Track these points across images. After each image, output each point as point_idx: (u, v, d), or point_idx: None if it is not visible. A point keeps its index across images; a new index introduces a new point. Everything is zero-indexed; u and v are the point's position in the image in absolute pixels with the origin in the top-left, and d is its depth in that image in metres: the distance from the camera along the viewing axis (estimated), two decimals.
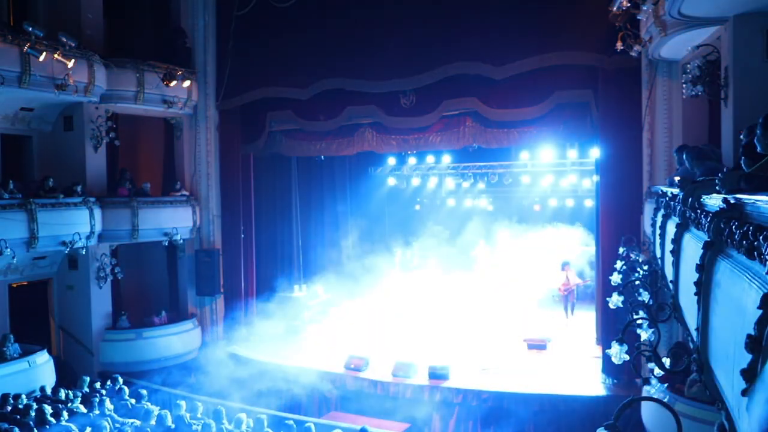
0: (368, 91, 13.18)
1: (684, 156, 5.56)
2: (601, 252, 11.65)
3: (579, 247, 17.00)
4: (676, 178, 5.55)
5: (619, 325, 10.00)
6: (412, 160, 19.35)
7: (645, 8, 7.84)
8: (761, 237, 2.14)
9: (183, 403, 9.39)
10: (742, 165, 3.36)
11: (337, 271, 18.44)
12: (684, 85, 7.05)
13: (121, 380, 11.16)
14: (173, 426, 8.52)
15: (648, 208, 8.61)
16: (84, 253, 12.82)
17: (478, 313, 15.93)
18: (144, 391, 10.56)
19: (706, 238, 3.20)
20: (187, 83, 14.33)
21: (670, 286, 5.08)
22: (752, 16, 5.79)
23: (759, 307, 1.94)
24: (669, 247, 4.75)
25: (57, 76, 11.67)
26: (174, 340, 14.19)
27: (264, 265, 16.65)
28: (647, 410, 7.73)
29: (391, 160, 19.41)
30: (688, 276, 3.54)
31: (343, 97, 13.55)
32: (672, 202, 5.08)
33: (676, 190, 5.06)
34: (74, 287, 13.66)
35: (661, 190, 6.63)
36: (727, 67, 6.11)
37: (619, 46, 9.47)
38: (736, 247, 2.48)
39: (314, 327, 15.48)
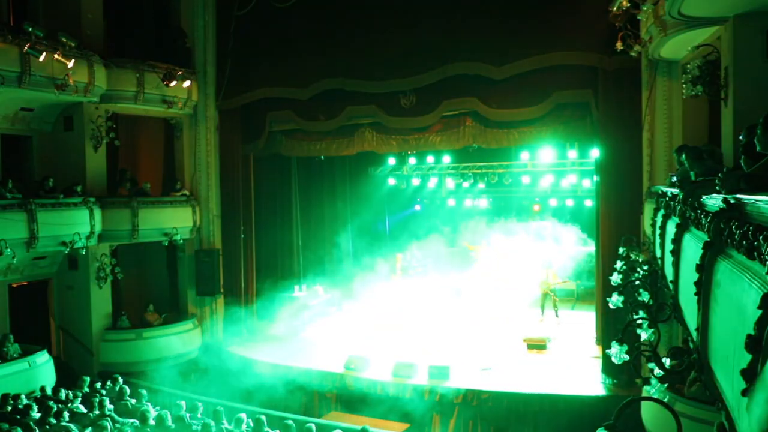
0: (368, 91, 13.17)
1: (683, 156, 5.56)
2: (601, 252, 11.65)
3: (574, 246, 17.04)
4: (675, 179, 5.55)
5: (619, 325, 10.02)
6: (412, 160, 19.36)
7: (645, 8, 7.84)
8: (761, 237, 2.14)
9: (183, 403, 9.39)
10: (742, 165, 3.36)
11: (337, 271, 18.47)
12: (684, 85, 7.06)
13: (121, 380, 11.16)
14: (173, 426, 8.51)
15: (648, 208, 8.61)
16: (84, 253, 12.82)
17: (478, 313, 15.95)
18: (144, 391, 10.55)
19: (706, 238, 3.20)
20: (187, 83, 14.33)
21: (670, 286, 5.08)
22: (752, 16, 5.79)
23: (759, 307, 1.94)
24: (669, 247, 4.74)
25: (57, 76, 11.66)
26: (174, 340, 14.18)
27: (264, 265, 16.65)
28: (647, 410, 7.73)
29: (391, 160, 19.43)
30: (688, 276, 3.54)
31: (343, 97, 13.54)
32: (672, 202, 5.08)
33: (676, 190, 5.05)
34: (74, 287, 13.66)
35: (661, 190, 6.63)
36: (727, 67, 6.11)
37: (619, 46, 9.47)
38: (736, 247, 2.47)
39: (314, 327, 15.49)
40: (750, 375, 1.96)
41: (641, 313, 6.60)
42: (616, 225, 11.01)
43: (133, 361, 13.56)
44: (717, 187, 3.27)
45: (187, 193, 14.93)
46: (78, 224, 12.36)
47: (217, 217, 15.31)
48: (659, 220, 6.14)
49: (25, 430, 7.85)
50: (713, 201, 3.12)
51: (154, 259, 15.38)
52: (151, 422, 8.49)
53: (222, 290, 15.17)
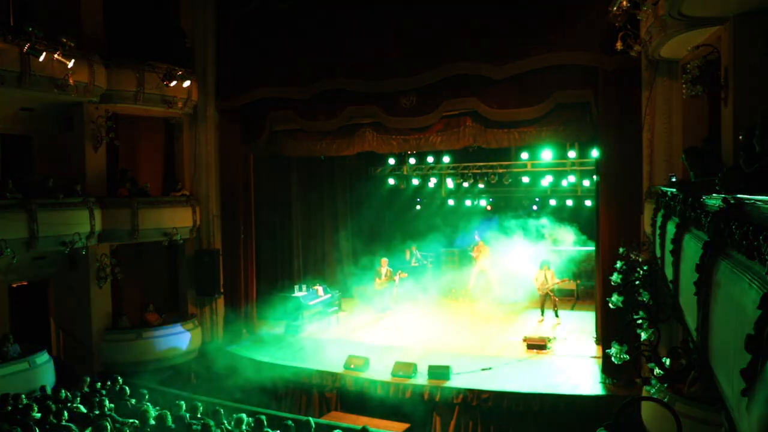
0: (368, 91, 13.18)
1: (682, 157, 5.56)
2: (601, 252, 11.65)
3: (574, 246, 17.04)
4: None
5: (619, 325, 10.03)
6: (411, 161, 19.35)
7: (645, 8, 7.85)
8: (761, 237, 2.14)
9: (183, 403, 9.39)
10: (742, 165, 3.36)
11: (337, 271, 18.46)
12: (684, 85, 7.06)
13: (121, 380, 11.17)
14: (173, 426, 8.51)
15: (648, 208, 8.61)
16: (84, 253, 12.82)
17: (478, 313, 15.95)
18: (144, 391, 10.55)
19: (706, 238, 3.20)
20: (187, 83, 14.33)
21: (670, 286, 5.07)
22: (752, 16, 5.79)
23: (759, 307, 1.94)
24: (669, 247, 4.74)
25: (57, 76, 11.67)
26: (174, 340, 14.19)
27: (264, 265, 16.65)
28: (647, 410, 7.74)
29: (391, 161, 19.42)
30: (688, 276, 3.54)
31: (343, 97, 13.55)
32: (672, 202, 5.08)
33: (675, 190, 5.06)
34: (74, 287, 13.66)
35: (661, 191, 6.63)
36: (727, 67, 6.11)
37: (619, 46, 9.47)
38: (736, 247, 2.48)
39: (314, 327, 15.48)
40: (750, 375, 1.96)
41: (641, 313, 6.61)
42: (616, 225, 11.02)
43: (133, 361, 13.56)
44: (717, 187, 3.28)
45: (187, 193, 14.93)
46: (78, 224, 12.36)
47: (217, 217, 15.31)
48: (659, 220, 6.14)
49: (25, 430, 7.85)
50: (713, 201, 3.12)
51: (154, 259, 15.37)
52: (152, 422, 8.49)
53: (222, 290, 15.17)
